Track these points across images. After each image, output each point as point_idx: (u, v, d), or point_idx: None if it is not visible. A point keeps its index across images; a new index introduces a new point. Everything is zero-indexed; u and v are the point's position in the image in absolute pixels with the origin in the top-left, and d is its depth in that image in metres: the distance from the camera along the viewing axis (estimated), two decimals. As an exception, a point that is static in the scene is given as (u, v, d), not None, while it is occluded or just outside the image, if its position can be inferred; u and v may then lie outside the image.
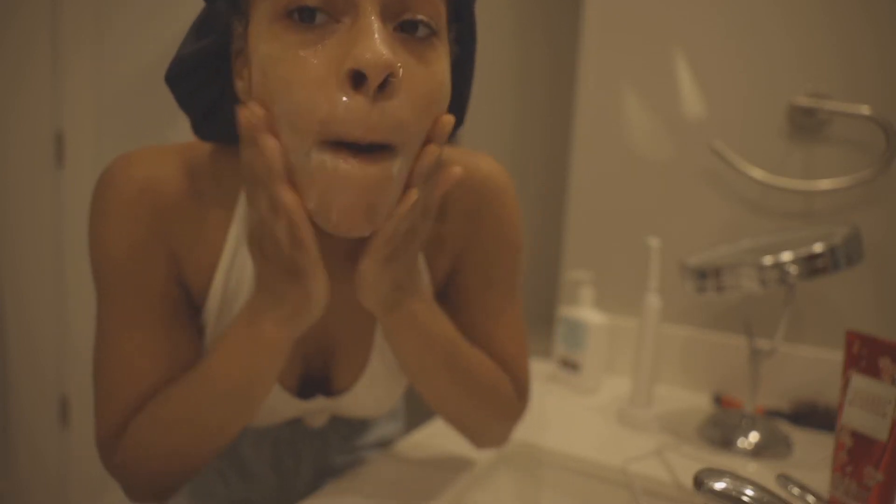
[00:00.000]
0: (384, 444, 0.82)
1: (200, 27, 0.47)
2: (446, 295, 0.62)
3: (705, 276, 0.77)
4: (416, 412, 0.88)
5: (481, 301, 0.61)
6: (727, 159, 0.93)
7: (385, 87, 0.38)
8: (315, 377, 0.62)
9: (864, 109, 0.85)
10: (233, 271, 0.53)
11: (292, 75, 0.38)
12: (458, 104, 0.52)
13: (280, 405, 0.60)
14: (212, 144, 0.53)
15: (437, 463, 0.69)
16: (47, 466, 1.75)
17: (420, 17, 0.40)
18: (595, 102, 1.06)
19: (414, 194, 0.43)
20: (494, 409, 0.60)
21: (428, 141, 0.42)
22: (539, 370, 1.07)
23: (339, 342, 0.60)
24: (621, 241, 1.05)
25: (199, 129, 0.51)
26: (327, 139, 0.39)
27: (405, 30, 0.40)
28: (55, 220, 1.66)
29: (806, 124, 0.91)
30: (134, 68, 1.76)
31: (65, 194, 1.65)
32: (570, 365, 0.98)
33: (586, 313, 0.96)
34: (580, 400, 0.94)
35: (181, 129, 0.57)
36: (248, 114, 0.39)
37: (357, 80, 0.37)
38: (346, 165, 0.38)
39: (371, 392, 0.63)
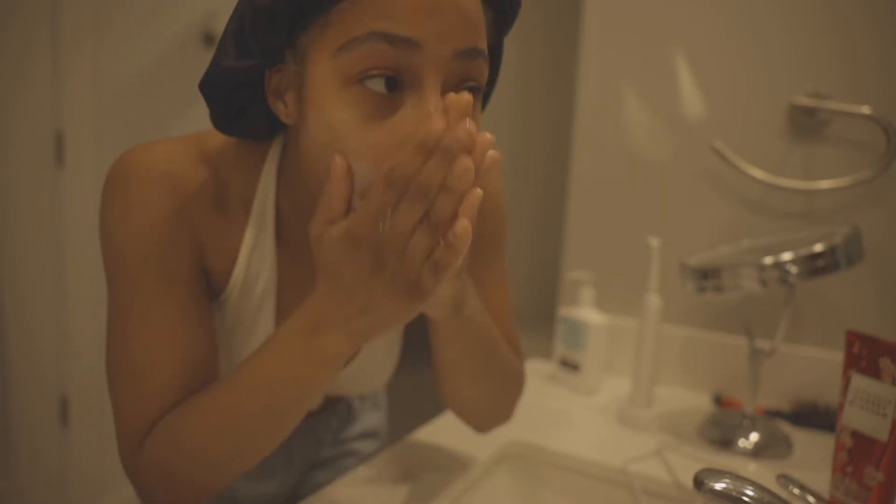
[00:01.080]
0: (369, 434, 0.84)
1: (243, 45, 0.46)
2: None
3: (705, 276, 0.77)
4: (400, 408, 0.88)
5: (480, 279, 0.61)
6: (727, 159, 0.93)
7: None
8: None
9: (865, 109, 0.85)
10: (253, 256, 0.53)
11: (360, 152, 0.40)
12: None
13: None
14: (223, 136, 0.53)
15: (437, 463, 0.69)
16: (47, 466, 1.75)
17: (474, 83, 0.43)
18: (595, 102, 1.06)
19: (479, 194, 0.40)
20: (511, 387, 0.62)
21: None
22: (539, 370, 1.07)
23: None
24: (621, 241, 1.05)
25: (221, 125, 0.51)
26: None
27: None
28: (55, 220, 1.66)
29: (806, 124, 0.91)
30: (134, 68, 1.76)
31: (65, 194, 1.65)
32: (571, 365, 0.98)
33: (586, 313, 0.96)
34: (580, 400, 0.94)
35: (181, 130, 0.57)
36: (343, 166, 0.40)
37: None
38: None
39: (369, 367, 0.64)
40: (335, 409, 0.78)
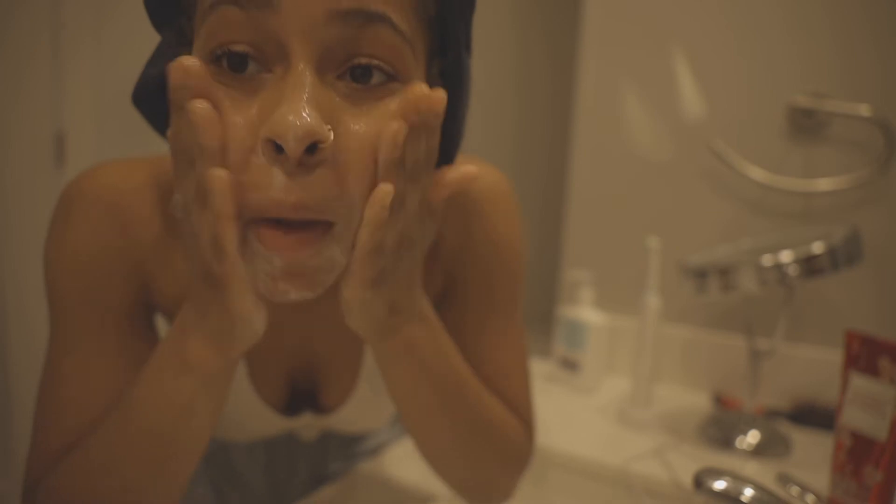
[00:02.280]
0: (380, 448, 0.80)
1: (159, 51, 0.41)
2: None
3: (705, 276, 0.77)
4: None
5: (478, 329, 0.52)
6: (727, 159, 0.93)
7: (313, 155, 0.31)
8: (302, 393, 0.57)
9: (864, 110, 0.85)
10: None
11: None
12: (446, 146, 0.41)
13: (264, 422, 0.56)
14: None
15: (437, 463, 0.69)
16: (47, 466, 1.75)
17: (374, 61, 0.33)
18: (595, 102, 1.06)
19: (387, 190, 0.33)
20: (503, 456, 0.50)
21: (402, 114, 0.33)
22: (539, 370, 1.07)
23: (323, 362, 0.55)
24: (621, 241, 1.05)
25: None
26: (250, 217, 0.32)
27: (356, 77, 0.33)
28: (55, 220, 1.66)
29: (806, 124, 0.91)
30: (134, 68, 1.74)
31: (65, 194, 1.65)
32: (570, 365, 0.98)
33: (586, 313, 0.96)
34: (580, 400, 0.94)
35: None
36: (179, 68, 0.31)
37: (276, 149, 0.31)
38: (268, 244, 0.32)
39: (361, 411, 0.57)
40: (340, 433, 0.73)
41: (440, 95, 0.33)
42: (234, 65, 0.32)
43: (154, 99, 0.40)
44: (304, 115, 0.30)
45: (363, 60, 0.33)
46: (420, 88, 0.33)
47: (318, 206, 0.32)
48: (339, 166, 0.32)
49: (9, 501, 1.75)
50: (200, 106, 0.31)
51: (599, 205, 1.07)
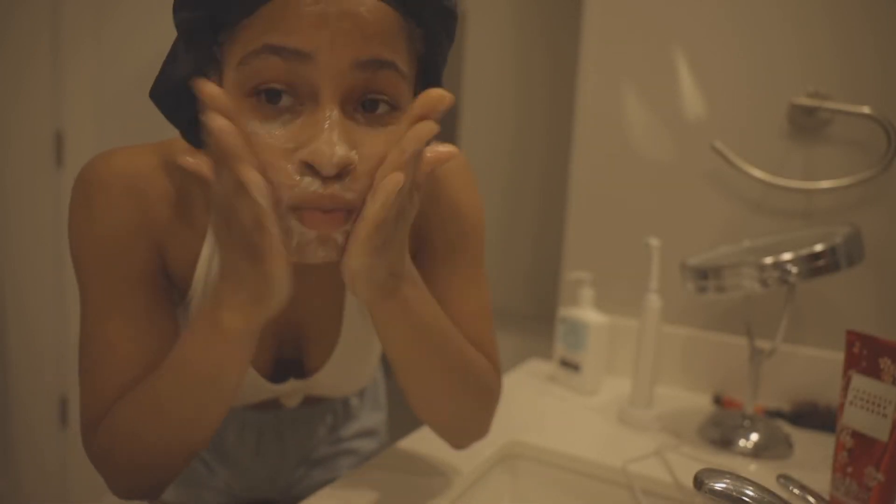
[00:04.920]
0: (368, 433, 0.83)
1: (178, 52, 0.47)
2: None
3: (706, 276, 0.77)
4: (400, 408, 0.88)
5: (447, 283, 0.60)
6: (728, 159, 0.93)
7: (343, 175, 0.40)
8: (288, 360, 0.63)
9: (865, 109, 0.85)
10: (214, 260, 0.54)
11: (257, 154, 0.40)
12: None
13: (253, 389, 0.62)
14: (186, 144, 0.54)
15: (437, 463, 0.69)
16: (47, 466, 1.75)
17: (382, 97, 0.42)
18: (595, 102, 1.06)
19: (400, 178, 0.41)
20: (481, 395, 0.58)
21: (422, 117, 0.41)
22: (539, 370, 1.07)
23: (308, 323, 0.62)
24: (621, 242, 1.05)
25: (188, 135, 0.52)
26: (289, 206, 0.41)
27: (366, 108, 0.42)
28: (55, 220, 1.66)
29: (806, 124, 0.91)
30: (134, 68, 1.76)
31: (65, 194, 1.65)
32: (571, 365, 0.98)
33: (586, 313, 0.96)
34: (580, 400, 0.94)
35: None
36: (207, 89, 0.38)
37: (312, 169, 0.40)
38: (308, 223, 0.41)
39: (341, 371, 0.64)
40: (330, 404, 0.78)
41: (450, 96, 0.41)
42: (270, 98, 0.41)
43: (173, 97, 0.48)
44: (337, 147, 0.39)
45: (374, 97, 0.42)
46: (438, 92, 0.41)
47: (345, 201, 0.41)
48: (360, 174, 0.41)
49: (9, 501, 1.75)
50: (223, 124, 0.38)
51: (600, 205, 1.07)
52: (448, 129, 1.83)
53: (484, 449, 0.72)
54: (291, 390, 0.66)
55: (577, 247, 1.10)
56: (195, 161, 0.42)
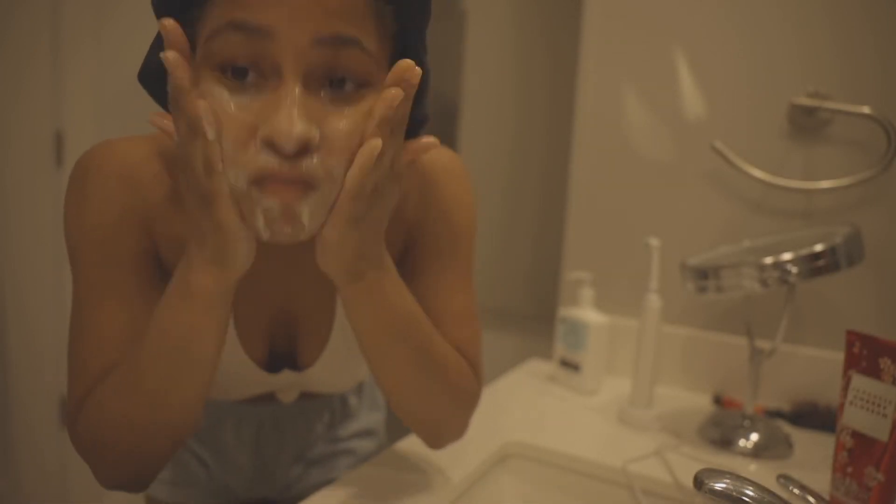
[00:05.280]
0: (367, 433, 0.83)
1: (159, 38, 0.48)
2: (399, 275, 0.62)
3: (706, 276, 0.77)
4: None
5: (433, 282, 0.60)
6: (728, 159, 0.93)
7: (304, 151, 0.40)
8: (281, 352, 0.64)
9: (865, 109, 0.85)
10: None
11: (222, 126, 0.40)
12: (413, 127, 0.51)
13: (249, 379, 0.63)
14: None
15: (437, 463, 0.69)
16: (47, 466, 1.75)
17: (347, 74, 0.42)
18: (595, 102, 1.06)
19: (376, 143, 0.41)
20: (455, 394, 0.57)
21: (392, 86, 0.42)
22: (539, 370, 1.07)
23: (301, 317, 0.62)
24: (621, 242, 1.05)
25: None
26: (252, 179, 0.40)
27: (333, 87, 0.42)
28: (55, 220, 1.66)
29: (806, 124, 0.91)
30: (134, 68, 1.75)
31: (64, 194, 1.65)
32: (571, 365, 0.98)
33: (586, 314, 0.96)
34: (580, 400, 0.94)
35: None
36: (166, 21, 0.40)
37: (274, 146, 0.39)
38: (268, 190, 0.41)
39: (334, 366, 0.64)
40: (328, 401, 0.78)
41: (419, 69, 0.42)
42: (236, 74, 0.41)
43: (156, 79, 0.49)
44: (296, 123, 0.38)
45: (339, 74, 0.42)
46: (406, 62, 0.42)
47: (305, 174, 0.40)
48: (325, 152, 0.41)
49: (9, 501, 1.75)
50: (174, 58, 0.39)
51: (600, 205, 1.07)
52: (448, 129, 1.83)
53: (484, 449, 0.73)
54: (286, 382, 0.66)
55: (577, 247, 1.10)
56: (160, 115, 0.44)
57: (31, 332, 1.71)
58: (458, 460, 0.69)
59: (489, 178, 1.94)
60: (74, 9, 1.64)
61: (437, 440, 0.60)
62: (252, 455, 0.74)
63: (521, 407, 0.89)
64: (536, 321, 1.76)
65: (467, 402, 0.59)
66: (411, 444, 0.73)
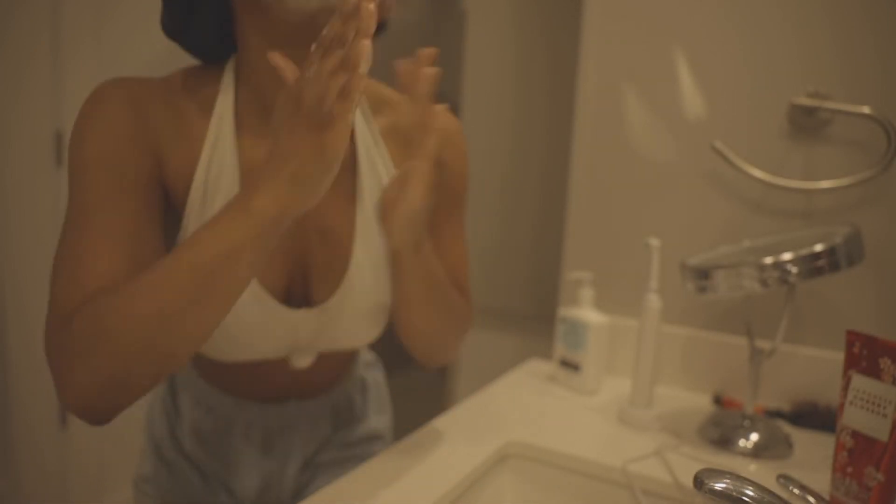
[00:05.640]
0: (375, 438, 0.83)
1: None
2: None
3: (706, 276, 0.77)
4: (400, 409, 0.88)
5: (442, 230, 0.70)
6: (728, 159, 0.93)
7: None
8: (297, 289, 0.65)
9: (865, 109, 0.85)
10: (212, 166, 0.57)
11: None
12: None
13: (268, 318, 0.61)
14: (186, 68, 0.61)
15: (437, 463, 0.69)
16: (47, 466, 1.75)
17: None
18: (595, 102, 1.06)
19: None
20: (459, 327, 0.70)
21: None
22: (539, 370, 1.07)
23: (316, 247, 0.64)
24: (621, 242, 1.05)
25: (169, 25, 0.59)
26: None
27: None
28: (55, 220, 1.66)
29: (807, 124, 0.91)
30: (134, 68, 1.76)
31: (65, 194, 1.65)
32: (571, 365, 0.98)
33: (586, 314, 0.96)
34: (580, 400, 0.94)
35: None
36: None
37: None
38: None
39: (350, 305, 0.64)
40: (333, 397, 0.78)
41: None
42: None
43: (183, 23, 0.57)
44: None
45: None
46: None
47: None
48: None
49: (9, 501, 1.75)
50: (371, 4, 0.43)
51: (600, 205, 1.07)
52: (448, 129, 1.83)
53: (484, 449, 0.73)
54: (304, 325, 0.64)
55: (577, 247, 1.10)
56: (283, 59, 0.48)
57: (31, 332, 1.71)
58: (458, 460, 0.69)
59: (489, 177, 1.94)
60: (74, 9, 1.64)
61: (432, 358, 0.71)
62: (261, 459, 0.74)
63: (521, 407, 0.89)
64: (536, 321, 1.76)
65: (466, 329, 0.72)
66: (412, 444, 0.73)
